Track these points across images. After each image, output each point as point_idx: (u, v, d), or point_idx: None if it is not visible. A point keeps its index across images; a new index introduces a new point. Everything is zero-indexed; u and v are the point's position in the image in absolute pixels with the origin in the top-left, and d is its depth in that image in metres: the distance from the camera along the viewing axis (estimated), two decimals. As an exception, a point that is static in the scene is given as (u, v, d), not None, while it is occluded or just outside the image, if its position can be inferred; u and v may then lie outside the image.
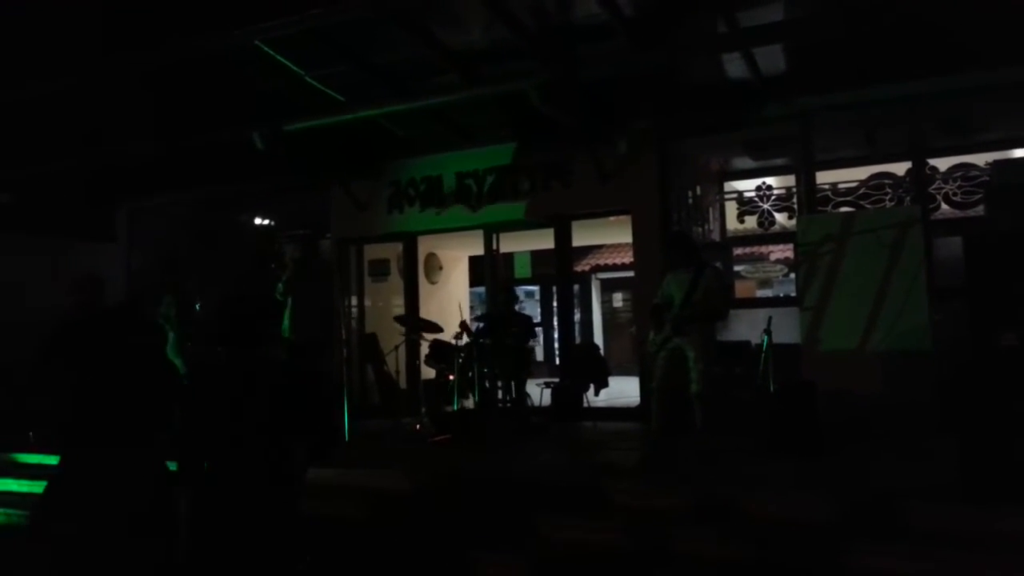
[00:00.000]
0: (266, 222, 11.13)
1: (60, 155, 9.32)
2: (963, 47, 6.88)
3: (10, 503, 6.60)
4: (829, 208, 8.57)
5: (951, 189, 8.25)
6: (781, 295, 12.28)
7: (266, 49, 7.74)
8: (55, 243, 10.65)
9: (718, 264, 9.22)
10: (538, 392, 8.65)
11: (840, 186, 8.69)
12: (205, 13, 7.15)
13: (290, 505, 3.24)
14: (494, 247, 9.70)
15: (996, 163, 8.03)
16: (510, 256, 14.24)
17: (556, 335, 12.62)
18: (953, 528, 4.30)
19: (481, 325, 8.47)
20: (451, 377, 7.92)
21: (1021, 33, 6.46)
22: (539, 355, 14.63)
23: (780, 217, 9.22)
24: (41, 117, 8.65)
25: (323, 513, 5.58)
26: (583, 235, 10.46)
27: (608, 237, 13.03)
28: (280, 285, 7.47)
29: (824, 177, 8.60)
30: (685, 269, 6.30)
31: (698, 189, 9.33)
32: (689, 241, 6.73)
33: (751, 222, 9.30)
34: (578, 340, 11.59)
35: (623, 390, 9.57)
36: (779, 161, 9.47)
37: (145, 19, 7.29)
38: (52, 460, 7.34)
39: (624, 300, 16.14)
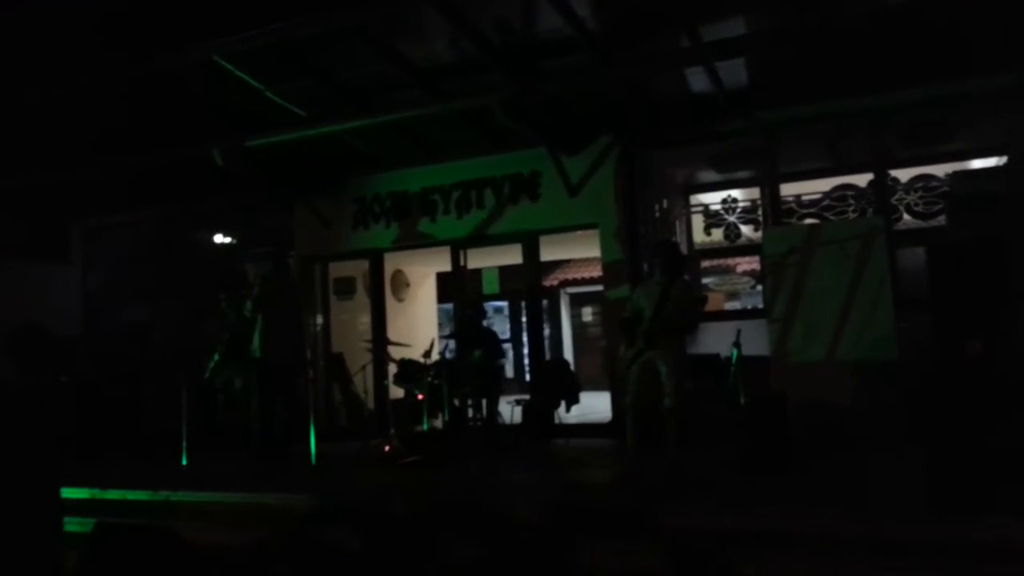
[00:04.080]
0: (228, 240, 10.93)
1: (12, 173, 9.06)
2: (922, 60, 6.98)
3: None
4: (794, 220, 8.63)
5: (912, 200, 8.36)
6: (749, 307, 12.36)
7: (225, 64, 7.62)
8: (4, 264, 10.33)
9: (686, 277, 9.26)
10: (509, 409, 8.56)
11: (804, 198, 8.77)
12: (162, 28, 7.02)
13: None
14: (461, 263, 9.62)
15: (955, 174, 8.16)
16: (478, 272, 14.16)
17: (526, 351, 12.53)
18: (918, 538, 4.28)
19: (450, 344, 8.37)
20: (420, 397, 7.80)
21: (979, 46, 6.57)
22: (509, 372, 14.53)
23: (746, 229, 9.28)
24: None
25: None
26: (551, 250, 10.41)
27: (576, 251, 13.00)
28: (248, 303, 7.30)
29: (788, 189, 8.67)
30: (656, 281, 6.27)
31: (665, 202, 9.34)
32: (676, 250, 6.60)
33: (717, 235, 9.34)
34: (548, 356, 11.53)
35: (594, 406, 9.50)
36: (744, 174, 9.54)
37: (102, 36, 7.13)
38: None
39: (593, 314, 16.13)
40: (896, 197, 8.36)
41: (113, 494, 6.50)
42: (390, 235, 9.74)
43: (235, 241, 10.89)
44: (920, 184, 8.35)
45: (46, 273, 11.05)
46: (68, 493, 6.10)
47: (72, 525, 5.10)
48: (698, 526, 4.76)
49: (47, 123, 8.45)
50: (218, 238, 10.96)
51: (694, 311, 6.20)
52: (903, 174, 8.42)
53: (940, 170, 8.32)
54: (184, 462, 7.35)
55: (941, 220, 8.13)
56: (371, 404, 9.33)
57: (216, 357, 8.16)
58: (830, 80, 7.49)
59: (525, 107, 7.51)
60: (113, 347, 11.00)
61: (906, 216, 8.41)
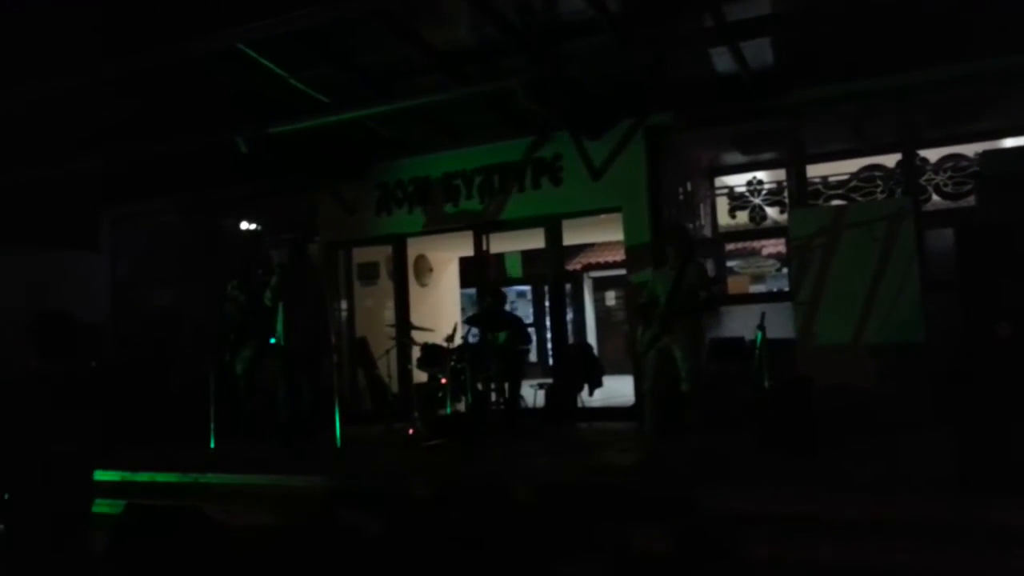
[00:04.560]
0: (252, 227, 11.02)
1: (39, 162, 9.20)
2: (952, 37, 6.84)
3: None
4: (820, 201, 8.52)
5: (942, 180, 8.21)
6: (775, 290, 12.25)
7: (248, 52, 7.65)
8: (37, 254, 10.53)
9: (710, 260, 9.18)
10: (532, 393, 8.58)
11: (831, 179, 8.65)
12: (186, 17, 7.07)
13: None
14: (484, 248, 9.62)
15: (986, 153, 7.98)
16: (500, 256, 14.16)
17: (549, 335, 12.54)
18: (948, 520, 4.25)
19: (471, 329, 8.39)
20: (444, 380, 7.84)
21: (1010, 22, 6.42)
22: (532, 356, 14.55)
23: (772, 211, 9.18)
24: (19, 124, 8.54)
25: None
26: (574, 234, 10.40)
27: (599, 235, 12.97)
28: (268, 291, 7.38)
29: (814, 170, 8.55)
30: (670, 266, 6.27)
31: (689, 185, 9.27)
32: (687, 234, 6.66)
33: (742, 217, 9.25)
34: (571, 340, 11.52)
35: (618, 389, 9.50)
36: (769, 155, 9.43)
37: (126, 24, 7.20)
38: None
39: (617, 298, 16.09)
40: (925, 177, 8.22)
41: (143, 476, 6.64)
42: (413, 220, 9.77)
43: (259, 228, 10.98)
44: (949, 164, 8.20)
45: (75, 261, 11.23)
46: (99, 476, 6.24)
47: (102, 507, 5.22)
48: (714, 508, 4.76)
49: (72, 113, 8.56)
50: (243, 225, 11.07)
51: (709, 293, 6.19)
52: (932, 154, 8.27)
53: (970, 149, 8.15)
54: (212, 445, 7.47)
55: (971, 200, 7.98)
56: (395, 388, 9.40)
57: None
58: (857, 58, 7.37)
59: (547, 90, 7.47)
60: (141, 333, 11.17)
61: (935, 196, 8.26)
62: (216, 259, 10.82)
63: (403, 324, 9.38)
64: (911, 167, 8.08)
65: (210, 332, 9.81)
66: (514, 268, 15.68)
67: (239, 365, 8.22)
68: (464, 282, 12.74)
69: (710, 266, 9.52)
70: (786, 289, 9.04)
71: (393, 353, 9.11)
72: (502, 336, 7.97)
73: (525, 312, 15.73)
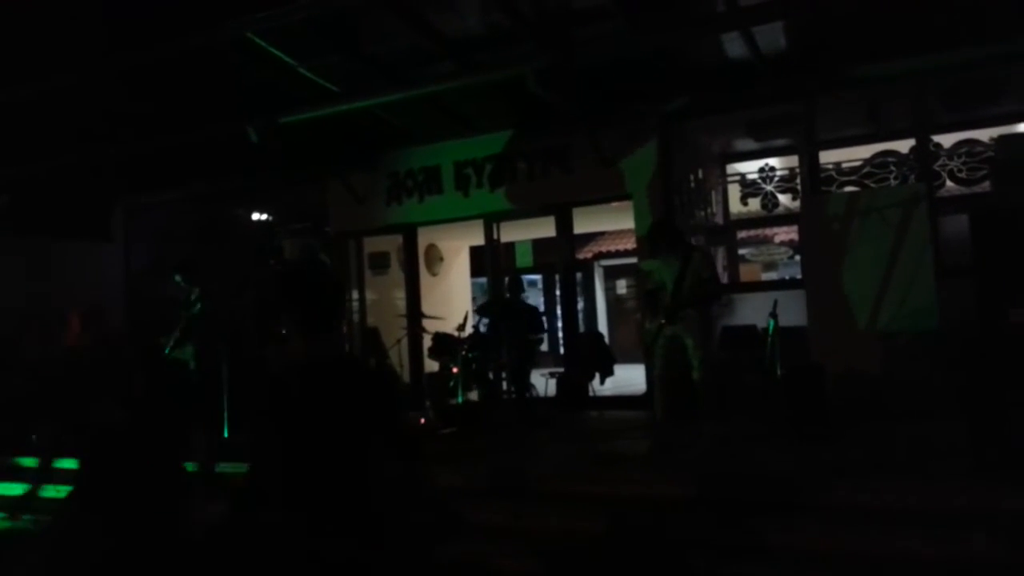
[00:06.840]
0: (264, 217, 11.05)
1: (55, 154, 9.24)
2: (967, 20, 6.76)
3: (8, 507, 6.55)
4: (833, 188, 8.46)
5: (956, 166, 8.14)
6: (787, 277, 12.20)
7: (258, 41, 7.64)
8: (51, 244, 10.61)
9: (720, 248, 9.14)
10: (543, 382, 8.59)
11: (844, 165, 8.59)
12: (195, 5, 7.07)
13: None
14: (495, 236, 9.61)
15: (1001, 138, 7.92)
16: (511, 245, 14.14)
17: (560, 324, 12.54)
18: (963, 507, 4.23)
19: (483, 319, 8.39)
20: (455, 370, 7.86)
21: (1026, 4, 6.34)
22: (543, 345, 14.57)
23: (784, 199, 9.12)
24: (35, 117, 8.57)
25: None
26: (585, 222, 10.37)
27: (610, 223, 12.94)
28: None
29: (827, 157, 8.49)
30: (674, 256, 6.16)
31: (700, 172, 9.22)
32: (673, 228, 6.50)
33: (754, 204, 9.20)
34: (582, 329, 11.51)
35: (629, 378, 9.50)
36: (781, 142, 9.36)
37: (137, 14, 7.20)
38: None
39: (628, 287, 16.06)
40: (939, 163, 8.14)
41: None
42: (423, 209, 9.76)
43: (271, 218, 11.00)
44: (964, 149, 8.13)
45: (91, 251, 11.30)
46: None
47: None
48: (722, 496, 4.76)
49: (82, 106, 8.57)
50: (255, 215, 11.09)
51: (714, 282, 6.13)
52: (946, 139, 8.19)
53: (985, 134, 8.08)
54: (226, 434, 7.49)
55: (985, 186, 7.92)
56: (406, 377, 9.43)
57: None
58: (871, 42, 7.29)
59: (558, 77, 7.42)
60: (155, 322, 11.21)
61: (949, 183, 8.20)
62: (229, 249, 10.85)
63: (414, 313, 9.40)
64: (925, 153, 8.01)
65: (224, 321, 9.86)
66: (524, 257, 15.66)
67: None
68: (475, 271, 12.75)
69: (720, 254, 9.50)
70: (798, 276, 9.00)
71: (404, 342, 9.13)
72: (517, 328, 7.96)
73: (536, 301, 15.74)
